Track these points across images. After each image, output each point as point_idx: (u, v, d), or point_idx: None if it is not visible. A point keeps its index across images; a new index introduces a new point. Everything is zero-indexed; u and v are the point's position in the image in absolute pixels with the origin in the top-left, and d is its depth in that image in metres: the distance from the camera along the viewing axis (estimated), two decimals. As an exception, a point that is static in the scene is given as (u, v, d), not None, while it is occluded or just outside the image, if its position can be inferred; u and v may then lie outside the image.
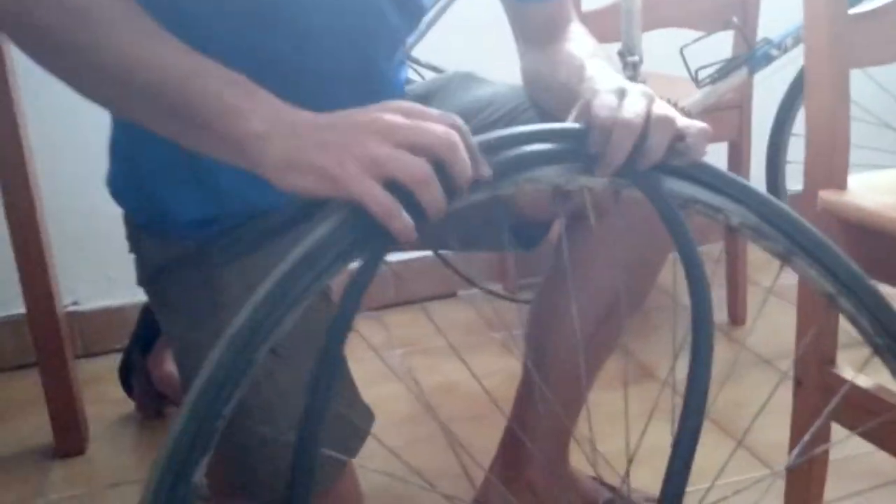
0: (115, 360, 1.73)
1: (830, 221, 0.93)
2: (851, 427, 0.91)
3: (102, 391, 1.66)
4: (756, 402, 1.41)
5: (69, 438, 1.48)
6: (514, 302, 1.82)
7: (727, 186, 0.65)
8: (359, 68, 0.94)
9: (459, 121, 0.62)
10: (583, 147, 0.63)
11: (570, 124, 0.66)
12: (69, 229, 1.69)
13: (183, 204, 0.94)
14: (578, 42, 0.91)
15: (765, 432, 1.26)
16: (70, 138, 1.69)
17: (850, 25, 0.86)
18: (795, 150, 1.69)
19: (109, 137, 1.02)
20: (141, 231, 1.02)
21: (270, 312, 0.55)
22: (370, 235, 0.59)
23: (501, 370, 1.63)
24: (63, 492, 1.40)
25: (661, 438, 0.72)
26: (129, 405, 1.61)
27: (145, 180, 0.97)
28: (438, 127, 0.61)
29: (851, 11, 0.87)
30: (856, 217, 0.91)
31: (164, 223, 0.97)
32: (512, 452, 1.13)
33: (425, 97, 1.07)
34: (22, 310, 1.47)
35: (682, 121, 0.65)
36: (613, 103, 0.65)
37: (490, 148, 0.62)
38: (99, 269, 1.82)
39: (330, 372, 0.57)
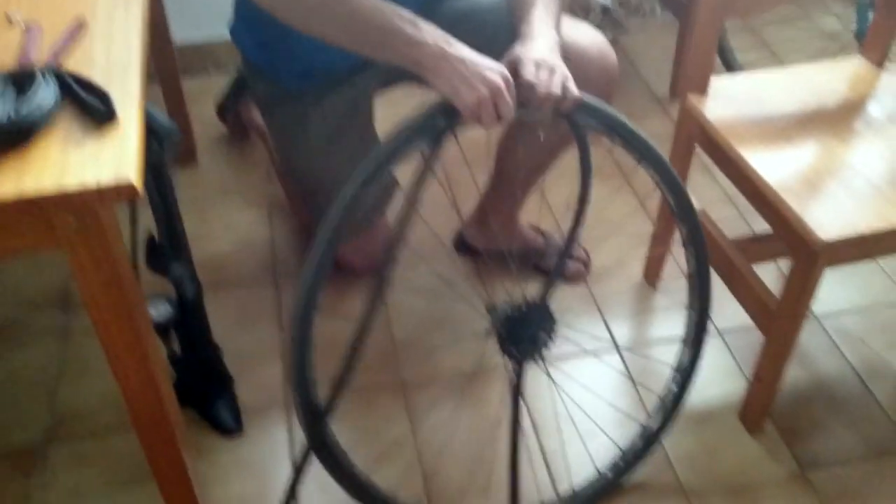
0: (202, 84, 2.22)
1: (690, 117, 1.46)
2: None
3: (197, 112, 2.12)
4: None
5: (186, 150, 2.02)
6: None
7: (607, 119, 1.20)
8: None
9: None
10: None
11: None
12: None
13: (290, 60, 1.38)
14: None
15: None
16: None
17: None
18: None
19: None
20: (254, 72, 1.51)
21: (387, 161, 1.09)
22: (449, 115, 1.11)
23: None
24: (186, 194, 1.90)
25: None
26: (221, 127, 2.13)
27: (264, 38, 1.41)
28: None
29: None
30: (701, 121, 1.43)
31: (274, 70, 1.46)
32: (482, 211, 1.76)
33: None
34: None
35: (568, 85, 1.13)
36: (533, 76, 1.10)
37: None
38: (191, 8, 2.15)
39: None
